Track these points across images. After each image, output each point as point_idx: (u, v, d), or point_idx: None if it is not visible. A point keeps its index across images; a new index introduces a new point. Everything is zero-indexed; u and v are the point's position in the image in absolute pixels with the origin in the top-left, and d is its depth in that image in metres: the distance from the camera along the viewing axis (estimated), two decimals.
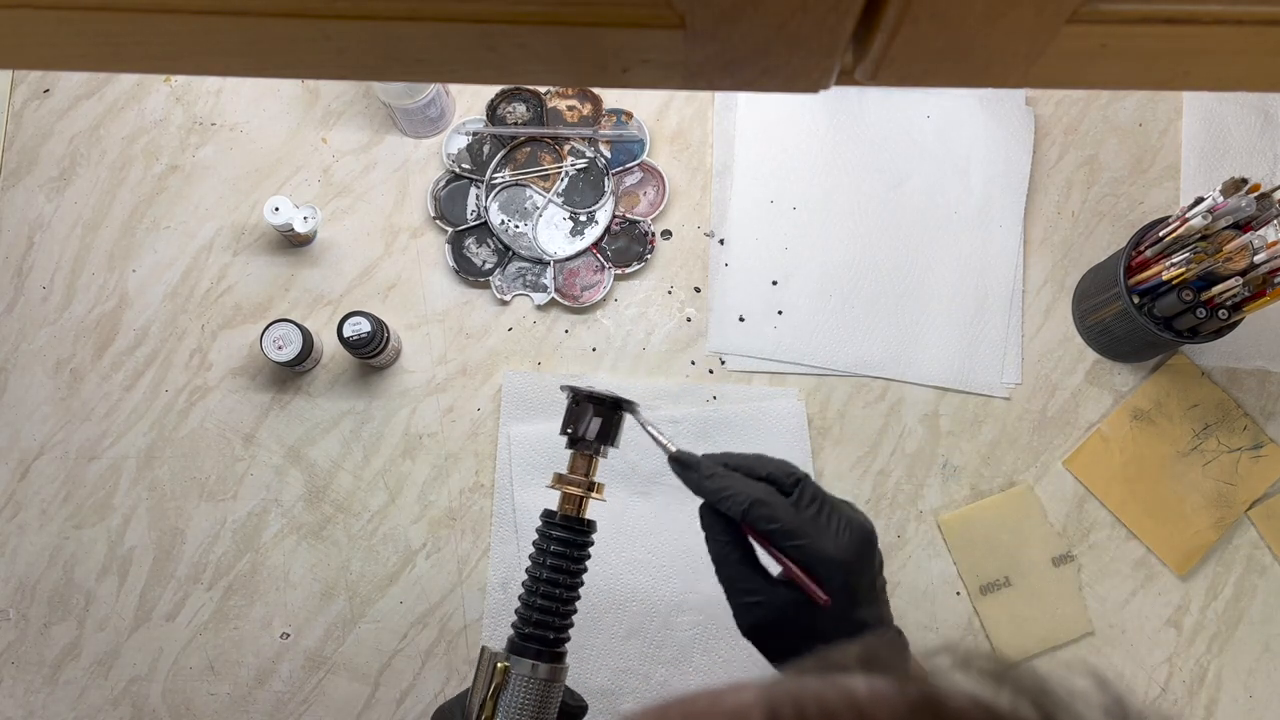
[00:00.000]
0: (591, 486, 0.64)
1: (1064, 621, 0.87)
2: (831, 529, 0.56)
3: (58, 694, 0.86)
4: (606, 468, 0.87)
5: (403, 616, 0.87)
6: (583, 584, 0.64)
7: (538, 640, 0.61)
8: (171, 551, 0.88)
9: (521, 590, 0.63)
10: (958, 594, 0.87)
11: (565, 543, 0.63)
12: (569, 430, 0.64)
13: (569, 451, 0.65)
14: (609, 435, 0.64)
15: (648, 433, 0.62)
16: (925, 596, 0.87)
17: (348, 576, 0.88)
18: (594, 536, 0.64)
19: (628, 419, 0.65)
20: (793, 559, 0.55)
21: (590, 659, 0.85)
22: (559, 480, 0.65)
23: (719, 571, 0.58)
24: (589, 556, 0.64)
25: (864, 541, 0.57)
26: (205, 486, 0.89)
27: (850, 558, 0.56)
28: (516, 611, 0.63)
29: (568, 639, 0.63)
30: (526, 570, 0.64)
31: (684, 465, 0.59)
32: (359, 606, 0.87)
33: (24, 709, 0.86)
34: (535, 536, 0.64)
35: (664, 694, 0.84)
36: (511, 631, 0.63)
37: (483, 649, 0.62)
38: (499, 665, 0.60)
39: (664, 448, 0.61)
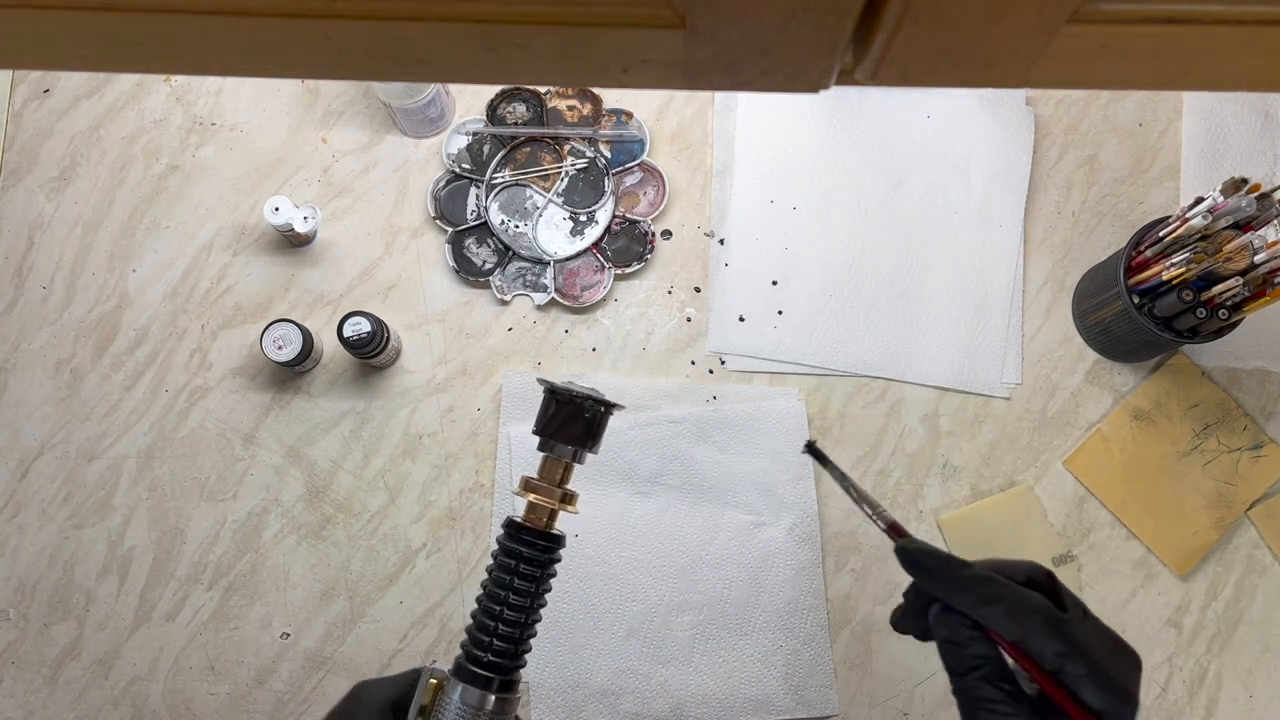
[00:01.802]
0: (565, 497, 0.57)
1: None
2: (1112, 655, 0.46)
3: (58, 694, 0.86)
4: (607, 467, 0.88)
5: (403, 616, 0.87)
6: (545, 604, 0.57)
7: (487, 666, 0.54)
8: (171, 551, 0.88)
9: (475, 606, 0.57)
10: None
11: (529, 560, 0.55)
12: (541, 429, 0.57)
13: (538, 448, 0.58)
14: (587, 439, 0.57)
15: (861, 508, 0.54)
16: None
17: (348, 576, 0.88)
18: (562, 553, 0.57)
19: (834, 485, 0.56)
20: (1073, 692, 0.45)
21: (590, 659, 0.85)
22: (526, 486, 0.57)
23: (959, 685, 0.48)
24: (555, 575, 0.57)
25: (1138, 671, 0.47)
26: (205, 486, 0.89)
27: (1135, 693, 0.46)
28: (467, 630, 0.56)
29: (523, 665, 0.56)
30: (482, 584, 0.57)
31: (925, 570, 0.49)
32: (359, 606, 0.87)
33: (24, 709, 0.86)
34: (495, 547, 0.57)
35: (664, 694, 0.84)
36: (460, 652, 0.56)
37: (422, 670, 0.55)
38: (431, 682, 0.54)
39: (889, 534, 0.52)
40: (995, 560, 0.51)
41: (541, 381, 0.58)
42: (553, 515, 0.57)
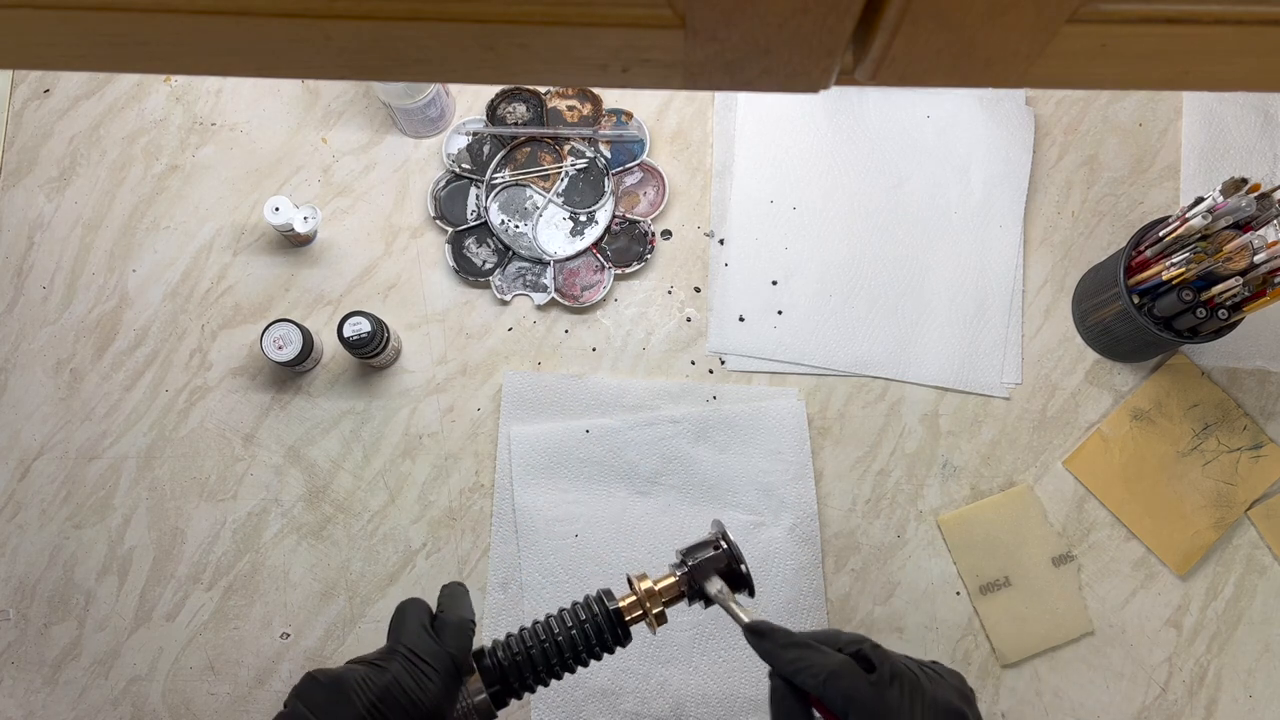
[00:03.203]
0: (660, 616, 0.61)
1: (1064, 621, 0.87)
2: (914, 712, 0.51)
3: (58, 694, 0.86)
4: (607, 467, 0.88)
5: None
6: (573, 672, 0.61)
7: (505, 673, 0.59)
8: (171, 551, 0.88)
9: (529, 626, 0.61)
10: (958, 594, 0.87)
11: (595, 629, 0.60)
12: (692, 559, 0.61)
13: (673, 566, 0.62)
14: (710, 599, 0.61)
15: (725, 607, 0.60)
16: (925, 596, 0.87)
17: (348, 576, 0.88)
18: (619, 651, 0.62)
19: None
20: None
21: None
22: (640, 581, 0.61)
23: None
24: (598, 658, 0.62)
25: None
26: (205, 486, 0.89)
27: None
28: (509, 636, 0.61)
29: (521, 698, 0.60)
30: (549, 618, 0.61)
31: (759, 634, 0.57)
32: (359, 606, 0.87)
33: (24, 709, 0.86)
34: (581, 602, 0.62)
35: (664, 694, 0.84)
36: (489, 644, 0.60)
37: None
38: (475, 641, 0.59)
39: (737, 619, 0.59)
40: (824, 631, 0.58)
41: (717, 523, 0.64)
42: (639, 618, 0.61)
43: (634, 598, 0.61)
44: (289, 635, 0.87)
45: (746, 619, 0.58)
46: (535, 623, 0.61)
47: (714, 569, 0.61)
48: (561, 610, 0.62)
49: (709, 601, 0.62)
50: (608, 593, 0.62)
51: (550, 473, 0.88)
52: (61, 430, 0.90)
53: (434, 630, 0.58)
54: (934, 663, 0.56)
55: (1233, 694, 0.86)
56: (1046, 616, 0.87)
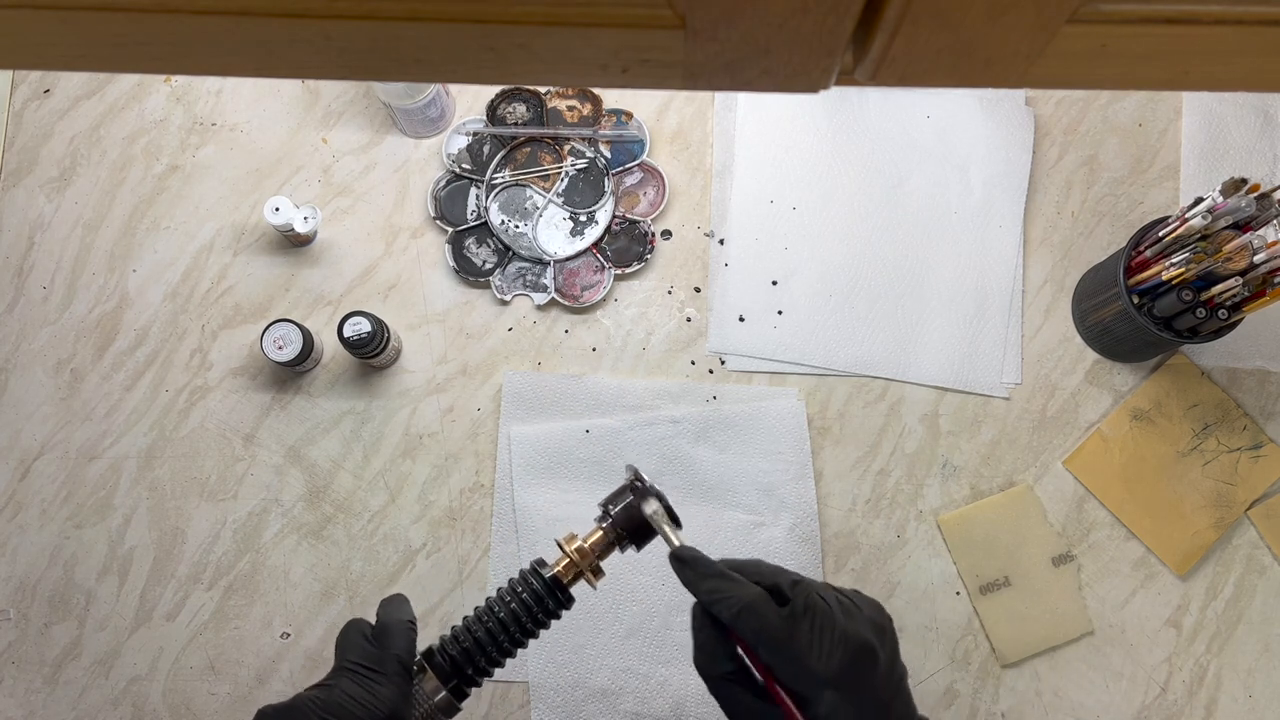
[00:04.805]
0: (595, 570, 0.62)
1: (1064, 621, 0.87)
2: (822, 645, 0.52)
3: (58, 694, 0.86)
4: (607, 467, 0.88)
5: None
6: (525, 646, 0.62)
7: (456, 665, 0.60)
8: (172, 551, 0.88)
9: (471, 615, 0.62)
10: (957, 594, 0.87)
11: (536, 598, 0.61)
12: (610, 507, 0.62)
13: (597, 519, 0.63)
14: (645, 537, 0.62)
15: (658, 529, 0.60)
16: (925, 596, 0.87)
17: (348, 576, 0.88)
18: (564, 614, 0.62)
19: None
20: (775, 674, 0.53)
21: (590, 659, 0.85)
22: (569, 543, 0.62)
23: (703, 677, 0.56)
24: (546, 627, 0.62)
25: (859, 658, 0.52)
26: (205, 486, 0.89)
27: (838, 677, 0.51)
28: (454, 629, 0.61)
29: (480, 684, 0.61)
30: (488, 600, 0.62)
31: (682, 561, 0.57)
32: (359, 606, 0.87)
33: (24, 709, 0.86)
34: (517, 577, 0.62)
35: (664, 694, 0.84)
36: (437, 643, 0.61)
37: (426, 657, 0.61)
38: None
39: (668, 541, 0.59)
40: (749, 561, 0.58)
41: (630, 468, 0.63)
42: (577, 577, 0.62)
43: (567, 560, 0.62)
44: (289, 635, 0.87)
45: (676, 543, 0.59)
46: (476, 609, 0.62)
47: (635, 511, 0.61)
48: (499, 589, 0.62)
49: (641, 544, 0.62)
50: (540, 561, 0.62)
51: (550, 473, 0.88)
52: (62, 430, 0.90)
53: (374, 639, 0.58)
54: (854, 592, 0.57)
55: (1232, 694, 0.86)
56: (1046, 616, 0.87)
